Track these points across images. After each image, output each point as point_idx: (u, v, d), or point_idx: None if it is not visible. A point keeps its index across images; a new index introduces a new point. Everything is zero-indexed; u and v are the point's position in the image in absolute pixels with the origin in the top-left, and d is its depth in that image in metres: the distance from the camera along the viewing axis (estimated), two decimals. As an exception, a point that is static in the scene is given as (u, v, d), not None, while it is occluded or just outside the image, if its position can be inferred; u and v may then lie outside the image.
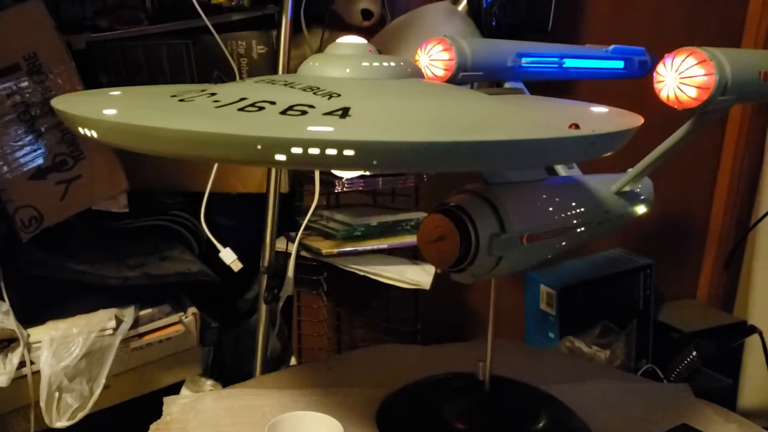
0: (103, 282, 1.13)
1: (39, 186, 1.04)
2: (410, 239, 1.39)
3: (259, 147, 0.48)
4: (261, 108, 0.57)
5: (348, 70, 0.65)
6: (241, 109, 0.57)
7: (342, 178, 1.30)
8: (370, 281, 1.35)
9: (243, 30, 1.28)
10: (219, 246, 1.16)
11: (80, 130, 0.54)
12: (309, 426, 0.80)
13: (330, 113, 0.55)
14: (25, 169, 1.03)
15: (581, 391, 1.02)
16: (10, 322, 1.06)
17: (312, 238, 1.36)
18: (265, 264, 1.15)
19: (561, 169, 0.99)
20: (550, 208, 0.89)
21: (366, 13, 1.27)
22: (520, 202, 0.86)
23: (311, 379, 1.00)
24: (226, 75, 1.28)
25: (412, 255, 1.44)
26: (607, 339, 1.68)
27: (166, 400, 0.93)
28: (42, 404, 1.07)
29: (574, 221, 0.91)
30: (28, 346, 1.07)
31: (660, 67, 0.80)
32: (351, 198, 1.48)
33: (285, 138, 0.48)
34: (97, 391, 1.11)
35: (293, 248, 1.23)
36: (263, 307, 1.18)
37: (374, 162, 0.49)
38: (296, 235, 1.24)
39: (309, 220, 1.37)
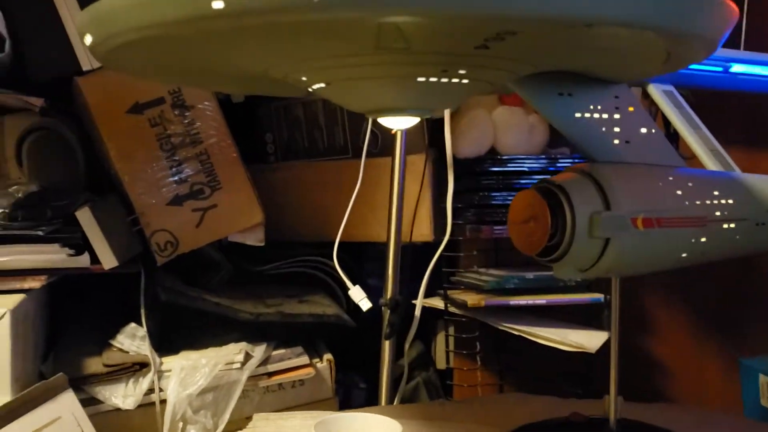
0: (236, 315, 1.12)
1: (175, 212, 1.08)
2: (574, 296, 1.24)
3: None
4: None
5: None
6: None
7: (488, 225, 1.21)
8: (540, 349, 1.21)
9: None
10: (349, 284, 1.11)
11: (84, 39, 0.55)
12: (363, 428, 0.68)
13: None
14: (163, 194, 1.08)
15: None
16: (144, 347, 1.09)
17: (462, 292, 1.26)
18: (387, 298, 1.07)
19: (710, 165, 0.82)
20: (678, 192, 0.73)
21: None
22: (634, 180, 0.72)
23: (417, 413, 0.88)
24: (376, 126, 1.27)
25: (583, 317, 1.28)
26: None
27: (256, 415, 0.87)
28: (165, 432, 1.06)
29: (717, 213, 0.74)
30: (159, 374, 1.08)
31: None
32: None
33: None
34: (221, 426, 1.07)
35: (421, 288, 1.14)
36: (386, 344, 1.09)
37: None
38: (425, 275, 1.16)
39: (463, 275, 1.28)
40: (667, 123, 0.99)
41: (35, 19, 1.06)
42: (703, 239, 0.73)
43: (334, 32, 0.50)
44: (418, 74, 0.58)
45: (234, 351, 1.11)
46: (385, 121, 0.66)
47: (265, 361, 1.12)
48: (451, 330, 1.31)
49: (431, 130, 1.23)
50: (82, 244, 1.04)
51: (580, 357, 1.26)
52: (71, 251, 1.04)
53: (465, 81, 0.60)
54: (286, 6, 0.43)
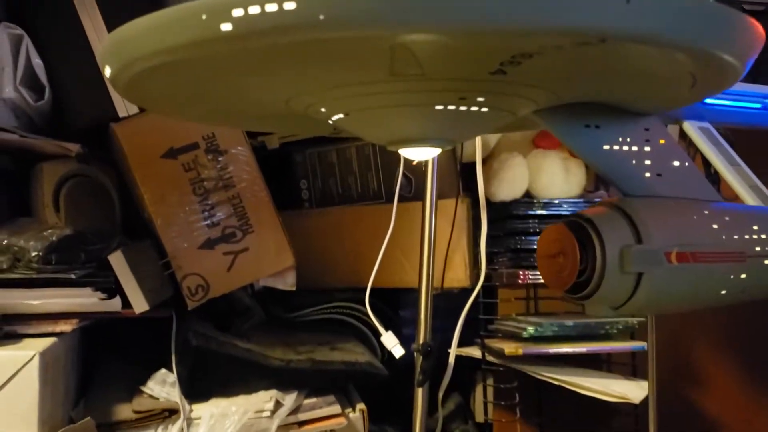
0: (266, 362, 1.10)
1: (207, 255, 1.08)
2: (616, 344, 1.19)
3: (204, 17, 0.45)
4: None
5: None
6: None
7: (525, 269, 1.18)
8: (582, 400, 1.16)
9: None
10: (381, 329, 1.09)
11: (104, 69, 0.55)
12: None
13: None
14: (195, 238, 1.08)
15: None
16: (174, 394, 1.08)
17: (500, 340, 1.22)
18: (419, 343, 1.04)
19: (750, 201, 0.79)
20: (714, 226, 0.70)
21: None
22: (666, 213, 0.69)
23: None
24: (409, 170, 1.27)
25: (627, 366, 1.23)
26: None
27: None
28: (192, 482, 1.04)
29: (758, 248, 0.70)
30: (189, 421, 1.07)
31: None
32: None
33: (225, 1, 0.44)
34: (250, 478, 1.05)
35: (455, 335, 1.11)
36: (418, 392, 1.05)
37: (321, 17, 0.42)
38: (459, 323, 1.13)
39: (501, 323, 1.25)
40: (707, 163, 0.96)
41: (73, 67, 1.09)
42: (743, 275, 0.70)
43: (346, 56, 0.49)
44: (436, 102, 0.57)
45: (264, 399, 1.09)
46: (407, 152, 0.65)
47: (295, 410, 1.10)
48: (490, 380, 1.27)
49: (465, 173, 1.22)
50: (113, 288, 1.04)
51: (626, 409, 1.21)
52: (103, 295, 1.04)
53: (485, 110, 0.59)
54: (295, 25, 0.43)
